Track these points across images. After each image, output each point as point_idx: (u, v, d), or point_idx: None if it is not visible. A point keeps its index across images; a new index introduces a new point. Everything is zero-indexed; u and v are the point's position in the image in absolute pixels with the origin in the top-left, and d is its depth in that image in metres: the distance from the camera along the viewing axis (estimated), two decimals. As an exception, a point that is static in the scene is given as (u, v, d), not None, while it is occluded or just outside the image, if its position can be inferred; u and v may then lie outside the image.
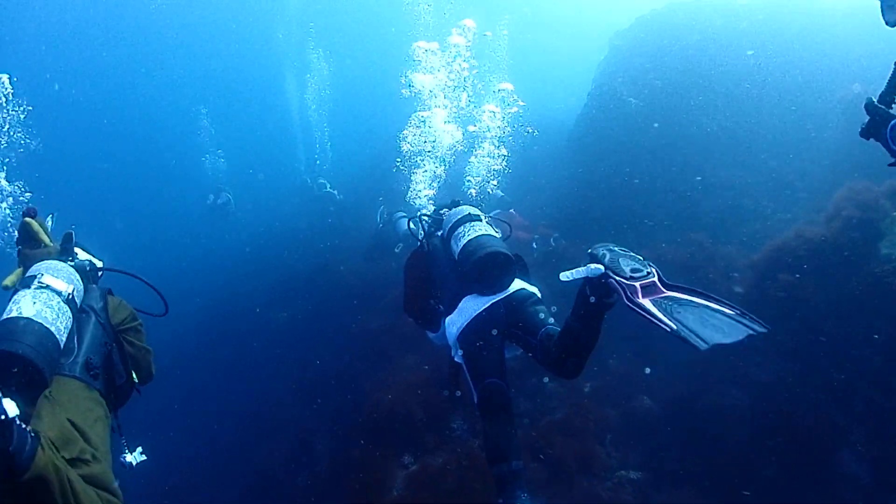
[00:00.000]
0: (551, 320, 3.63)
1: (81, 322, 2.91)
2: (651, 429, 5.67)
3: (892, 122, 2.57)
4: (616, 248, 3.08)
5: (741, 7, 9.98)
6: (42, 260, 3.04)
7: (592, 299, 3.03)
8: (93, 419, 2.67)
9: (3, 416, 1.89)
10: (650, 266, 2.95)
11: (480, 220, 4.04)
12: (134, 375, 3.17)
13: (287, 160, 25.29)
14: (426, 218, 4.80)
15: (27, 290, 2.74)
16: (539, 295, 3.87)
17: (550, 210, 10.11)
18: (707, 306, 2.80)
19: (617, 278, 2.90)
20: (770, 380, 5.51)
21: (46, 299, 2.73)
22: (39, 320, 2.64)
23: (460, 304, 3.80)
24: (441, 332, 4.06)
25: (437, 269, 4.22)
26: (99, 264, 3.39)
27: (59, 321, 2.71)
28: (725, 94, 8.80)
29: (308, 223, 14.13)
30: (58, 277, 2.87)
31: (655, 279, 2.90)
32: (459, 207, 4.28)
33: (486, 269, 3.70)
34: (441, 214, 4.55)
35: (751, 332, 2.68)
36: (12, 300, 2.72)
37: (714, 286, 6.25)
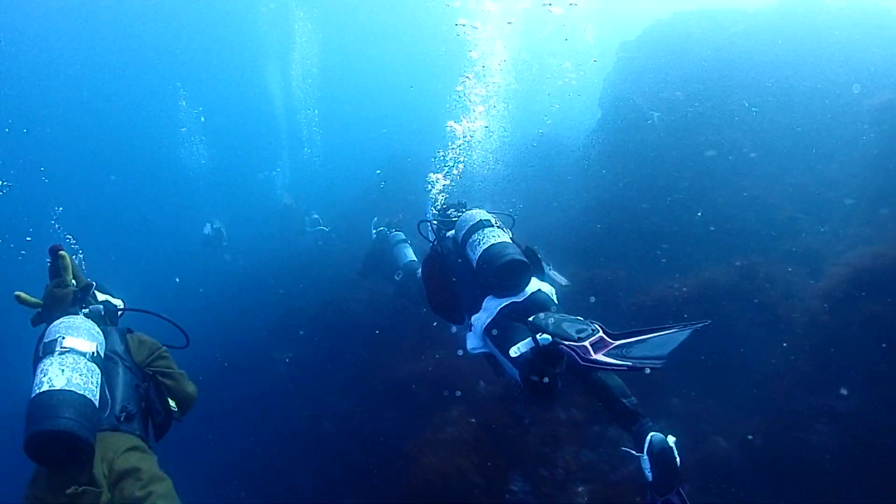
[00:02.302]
0: None
1: (109, 372, 2.96)
2: (732, 474, 5.15)
3: None
4: (556, 315, 3.35)
5: (758, 12, 9.76)
6: (62, 306, 3.14)
7: (535, 378, 3.27)
8: (137, 460, 2.82)
9: None
10: (594, 323, 3.24)
11: (492, 226, 4.20)
12: (173, 404, 3.27)
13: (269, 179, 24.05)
14: (435, 222, 4.99)
15: (52, 358, 2.76)
16: (554, 297, 4.21)
17: (563, 232, 9.64)
18: (650, 337, 3.12)
19: (566, 343, 3.15)
20: (855, 411, 5.05)
21: (73, 364, 2.76)
22: (72, 388, 2.68)
23: (483, 303, 4.05)
24: (467, 326, 4.24)
25: (454, 272, 4.42)
26: (119, 304, 3.44)
27: (89, 383, 2.75)
28: (749, 104, 8.49)
29: (305, 251, 13.37)
30: (79, 337, 2.88)
31: (601, 334, 3.18)
32: (471, 212, 4.38)
33: (504, 277, 3.94)
34: (449, 216, 4.83)
35: (695, 327, 3.08)
36: (40, 370, 2.73)
37: (790, 319, 5.81)
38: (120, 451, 2.80)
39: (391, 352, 7.53)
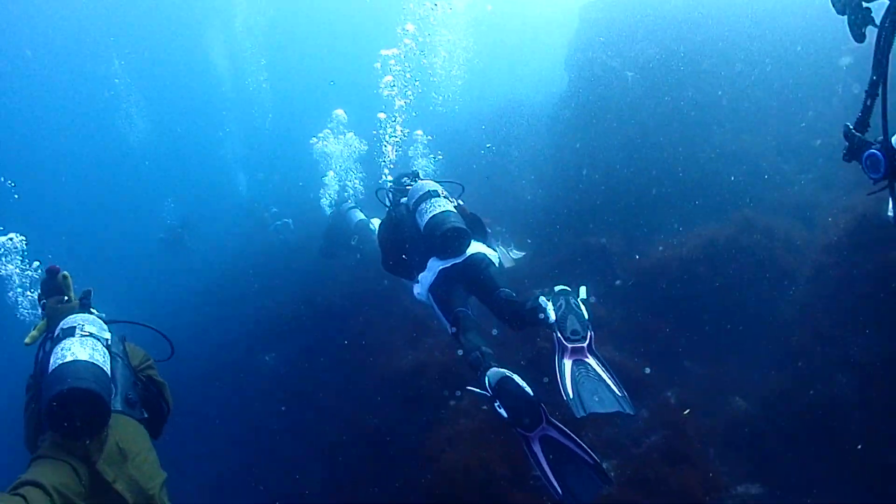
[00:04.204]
0: (506, 287, 4.47)
1: (114, 366, 3.18)
2: (756, 434, 5.07)
3: (867, 152, 2.68)
4: (572, 299, 3.97)
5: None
6: (70, 313, 3.29)
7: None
8: (147, 447, 3.13)
9: None
10: (588, 330, 3.81)
11: (439, 196, 4.75)
12: (168, 401, 3.53)
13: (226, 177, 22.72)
14: (390, 189, 5.55)
15: (73, 339, 2.99)
16: (493, 258, 4.74)
17: (543, 201, 9.42)
18: (604, 381, 3.61)
19: (558, 335, 3.81)
20: (874, 360, 5.00)
21: (93, 345, 3.01)
22: (94, 361, 2.92)
23: (428, 263, 4.68)
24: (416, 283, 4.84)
25: (406, 234, 4.97)
26: (103, 318, 3.58)
27: (105, 364, 3.00)
28: (725, 60, 8.34)
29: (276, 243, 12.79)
30: (94, 326, 3.17)
31: (585, 344, 3.76)
32: (421, 182, 4.96)
33: (446, 241, 4.54)
34: (403, 185, 5.36)
35: (620, 409, 3.48)
36: (61, 346, 2.94)
37: (797, 272, 5.72)
38: (129, 433, 3.03)
39: (383, 344, 7.17)
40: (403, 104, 8.79)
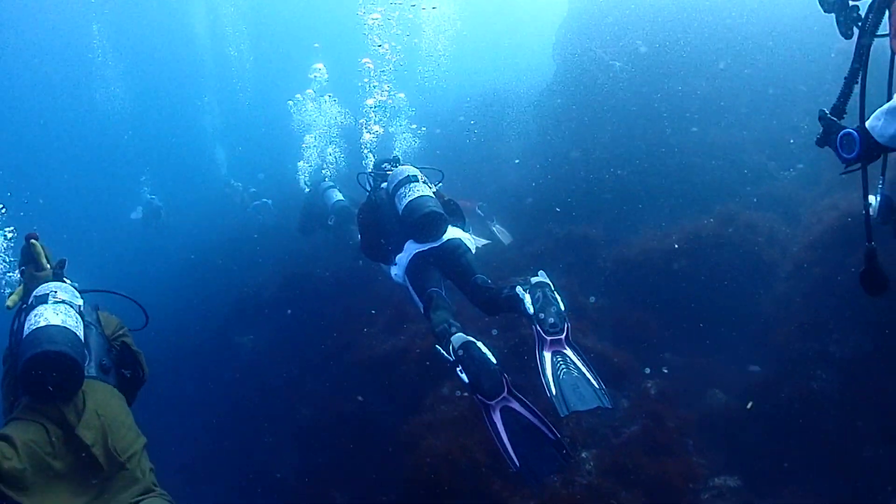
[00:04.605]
0: (481, 274, 4.58)
1: (87, 333, 3.20)
2: (734, 426, 5.11)
3: (841, 133, 2.67)
4: (549, 293, 3.99)
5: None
6: (45, 282, 3.34)
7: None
8: (124, 412, 3.16)
9: None
10: (566, 322, 3.84)
11: (418, 181, 4.80)
12: (144, 368, 3.52)
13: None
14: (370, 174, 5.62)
15: (46, 305, 3.04)
16: (469, 244, 4.84)
17: (527, 191, 9.35)
18: (584, 374, 3.64)
19: (537, 328, 3.83)
20: (853, 356, 5.05)
21: (66, 311, 3.06)
22: (67, 326, 2.98)
23: (405, 246, 4.76)
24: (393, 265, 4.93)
25: (384, 218, 5.06)
26: (77, 288, 3.59)
27: (78, 329, 3.05)
28: (713, 54, 8.33)
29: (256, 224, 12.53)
30: (67, 293, 3.21)
31: (563, 336, 3.80)
32: (401, 168, 5.01)
33: (423, 225, 4.62)
34: (384, 170, 5.42)
35: (600, 404, 3.50)
36: (34, 313, 2.99)
37: (780, 267, 5.75)
38: (105, 398, 3.06)
39: (364, 328, 7.06)
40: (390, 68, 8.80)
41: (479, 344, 3.77)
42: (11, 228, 5.20)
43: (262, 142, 20.22)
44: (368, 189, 5.53)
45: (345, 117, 11.23)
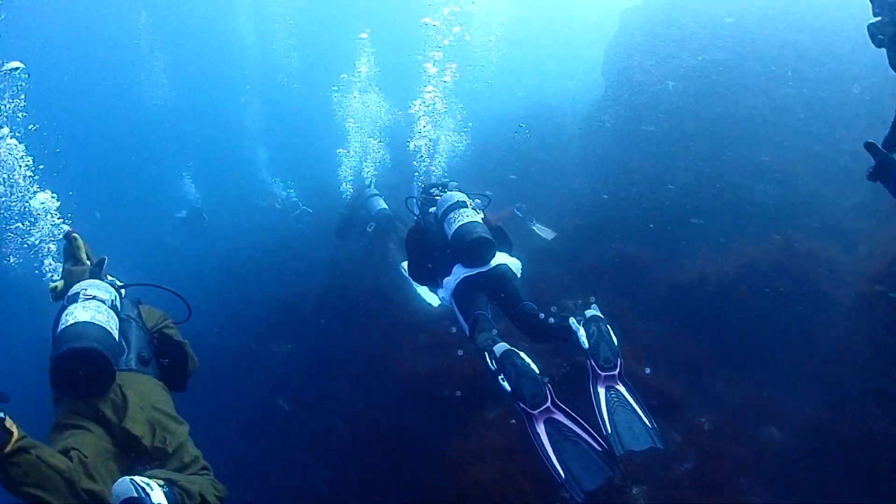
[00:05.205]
0: (529, 301, 4.60)
1: (124, 327, 3.28)
2: (790, 465, 4.93)
3: None
4: (604, 327, 3.96)
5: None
6: (79, 280, 3.41)
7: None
8: (164, 400, 3.19)
9: None
10: (619, 358, 3.85)
11: (466, 207, 4.92)
12: (192, 357, 3.63)
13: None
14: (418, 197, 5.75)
15: (77, 304, 3.09)
16: (516, 269, 4.91)
17: (575, 206, 9.22)
18: (636, 412, 3.68)
19: (591, 363, 3.87)
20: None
21: (95, 307, 3.09)
22: (96, 322, 3.00)
23: (453, 270, 4.85)
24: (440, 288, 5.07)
25: (433, 242, 5.13)
26: (120, 283, 3.68)
27: (109, 323, 3.07)
28: (769, 76, 8.14)
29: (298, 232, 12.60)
30: (99, 290, 3.25)
31: (616, 373, 3.82)
32: (450, 193, 5.13)
33: (472, 250, 4.72)
34: (432, 194, 5.46)
35: (653, 444, 3.56)
36: (65, 313, 3.04)
37: (840, 300, 5.56)
38: (146, 389, 3.11)
39: (404, 345, 6.99)
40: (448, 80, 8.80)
41: (522, 353, 3.86)
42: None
43: (304, 144, 20.18)
44: (416, 214, 5.64)
45: (390, 115, 11.23)
